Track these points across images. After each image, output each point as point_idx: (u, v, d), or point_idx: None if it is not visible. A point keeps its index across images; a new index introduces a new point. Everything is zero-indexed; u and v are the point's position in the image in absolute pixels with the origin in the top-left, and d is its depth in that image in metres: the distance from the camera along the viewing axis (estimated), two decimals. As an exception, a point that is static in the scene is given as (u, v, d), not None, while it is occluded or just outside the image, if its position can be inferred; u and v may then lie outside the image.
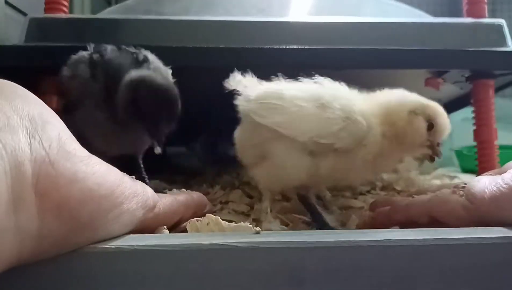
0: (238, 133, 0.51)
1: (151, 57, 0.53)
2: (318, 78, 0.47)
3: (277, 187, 0.50)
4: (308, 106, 0.44)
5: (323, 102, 0.44)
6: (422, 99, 0.47)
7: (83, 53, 0.54)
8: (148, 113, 0.46)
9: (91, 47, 0.55)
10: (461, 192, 0.40)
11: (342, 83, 0.47)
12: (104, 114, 0.50)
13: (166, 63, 0.56)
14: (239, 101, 0.48)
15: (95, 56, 0.52)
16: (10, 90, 0.30)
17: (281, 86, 0.47)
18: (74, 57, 0.54)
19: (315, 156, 0.44)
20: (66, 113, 0.54)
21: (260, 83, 0.49)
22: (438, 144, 0.46)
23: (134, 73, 0.48)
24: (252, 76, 0.49)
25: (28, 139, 0.27)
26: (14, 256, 0.26)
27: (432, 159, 0.47)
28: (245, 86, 0.48)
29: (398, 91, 0.48)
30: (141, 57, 0.52)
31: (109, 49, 0.53)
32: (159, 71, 0.52)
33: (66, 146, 0.29)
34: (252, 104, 0.46)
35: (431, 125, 0.45)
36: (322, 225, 0.46)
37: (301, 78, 0.48)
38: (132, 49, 0.53)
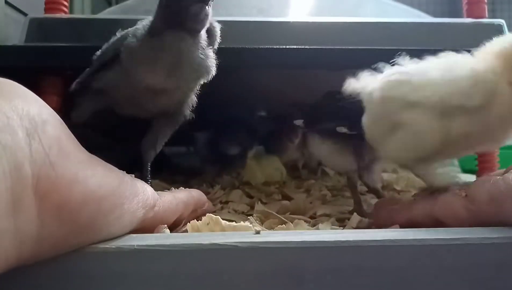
0: (366, 118, 0.49)
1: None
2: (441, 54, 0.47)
3: (409, 156, 0.47)
4: (436, 68, 0.44)
5: (450, 63, 0.44)
6: None
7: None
8: None
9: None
10: (463, 193, 0.40)
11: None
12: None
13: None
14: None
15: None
16: (10, 89, 0.30)
17: (407, 67, 0.47)
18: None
19: (447, 119, 0.43)
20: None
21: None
22: None
23: None
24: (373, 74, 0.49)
25: (28, 139, 0.27)
26: (14, 257, 0.26)
27: None
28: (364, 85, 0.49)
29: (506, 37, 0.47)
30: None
31: None
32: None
33: (66, 147, 0.29)
34: (380, 83, 0.47)
35: None
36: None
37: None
38: None
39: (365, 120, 0.49)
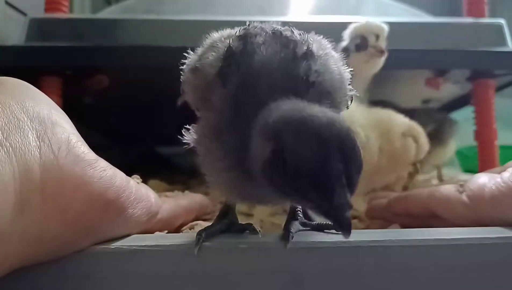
0: None
1: (318, 47, 0.33)
2: None
3: None
4: None
5: None
6: (408, 121, 0.47)
7: (225, 32, 0.35)
8: (308, 175, 0.25)
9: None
10: (461, 189, 0.40)
11: None
12: (227, 144, 0.30)
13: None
14: None
15: (236, 43, 0.32)
16: (21, 90, 0.30)
17: None
18: (215, 36, 0.35)
19: None
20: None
21: None
22: (420, 162, 0.47)
23: (283, 107, 0.28)
24: None
25: (38, 142, 0.27)
26: (20, 258, 0.26)
27: (412, 177, 0.48)
28: None
29: (389, 111, 0.48)
30: (301, 51, 0.31)
31: (261, 34, 0.33)
32: (328, 84, 0.32)
33: (75, 150, 0.29)
34: None
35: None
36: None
37: None
38: (289, 33, 0.33)
39: None
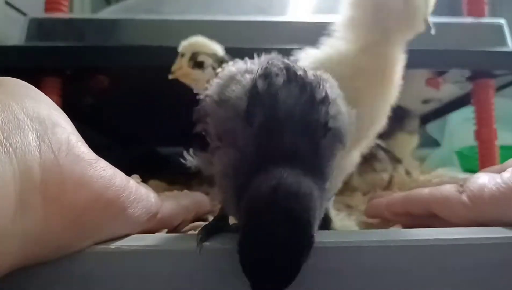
0: None
1: (334, 91, 0.33)
2: None
3: None
4: None
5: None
6: None
7: (241, 66, 0.35)
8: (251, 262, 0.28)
9: (259, 59, 0.36)
10: (461, 189, 0.40)
11: None
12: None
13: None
14: None
15: (261, 83, 0.32)
16: (21, 90, 0.30)
17: None
18: (232, 69, 0.35)
19: None
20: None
21: None
22: None
23: (274, 180, 0.27)
24: None
25: (38, 142, 0.27)
26: (20, 259, 0.26)
27: None
28: None
29: None
30: (319, 96, 0.32)
31: (280, 75, 0.32)
32: (338, 131, 0.32)
33: (75, 150, 0.29)
34: None
35: None
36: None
37: None
38: (306, 76, 0.33)
39: None
